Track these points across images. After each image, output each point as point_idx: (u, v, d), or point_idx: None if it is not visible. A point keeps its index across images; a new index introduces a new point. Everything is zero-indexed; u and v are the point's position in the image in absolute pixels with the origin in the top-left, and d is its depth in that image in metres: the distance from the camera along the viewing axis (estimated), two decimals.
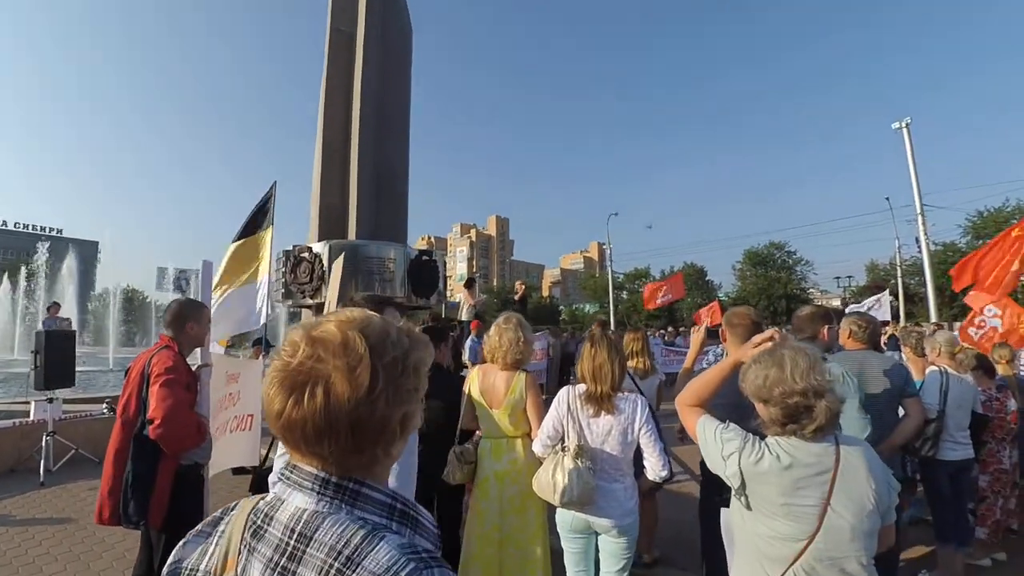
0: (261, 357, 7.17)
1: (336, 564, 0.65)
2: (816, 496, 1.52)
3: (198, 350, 2.75)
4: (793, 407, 1.53)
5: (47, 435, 6.04)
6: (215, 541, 0.76)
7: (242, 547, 0.71)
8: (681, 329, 20.21)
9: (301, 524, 0.69)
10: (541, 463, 2.61)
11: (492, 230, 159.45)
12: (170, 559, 0.77)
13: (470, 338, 9.23)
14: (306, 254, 11.09)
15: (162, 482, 2.30)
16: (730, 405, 2.65)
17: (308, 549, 0.67)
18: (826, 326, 3.33)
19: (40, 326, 10.04)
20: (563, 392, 2.63)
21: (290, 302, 11.63)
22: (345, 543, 0.66)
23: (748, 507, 1.62)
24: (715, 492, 2.75)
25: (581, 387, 2.59)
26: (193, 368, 2.61)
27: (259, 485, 2.81)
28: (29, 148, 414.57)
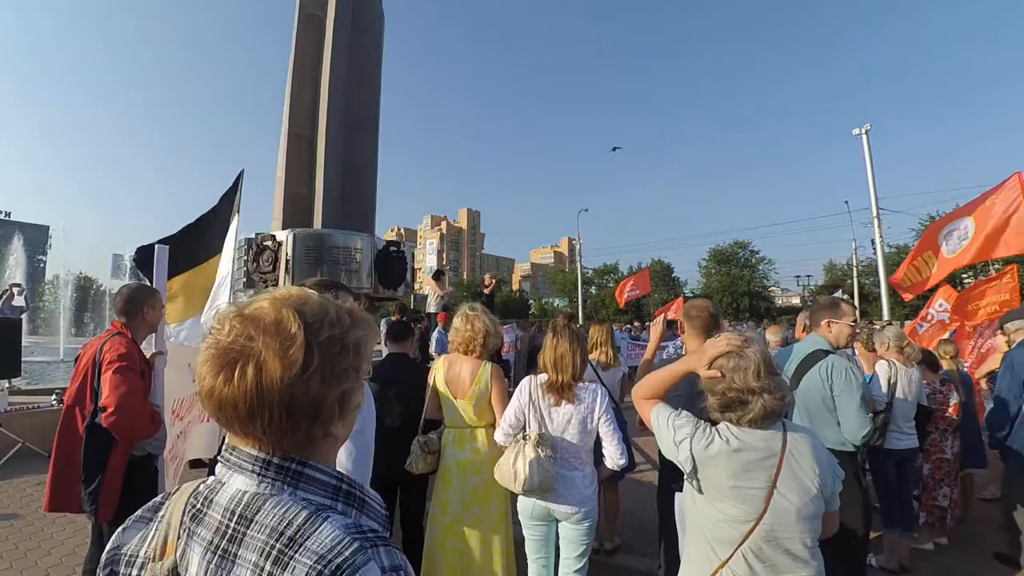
0: None
1: (278, 545, 0.64)
2: (763, 479, 1.59)
3: (151, 337, 2.67)
4: (729, 400, 1.66)
5: None
6: (155, 527, 0.74)
7: (181, 531, 0.70)
8: (647, 324, 20.55)
9: (242, 507, 0.68)
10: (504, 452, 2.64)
11: (463, 223, 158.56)
12: (109, 545, 0.75)
13: (437, 330, 9.20)
14: (269, 242, 10.81)
15: (113, 473, 2.23)
16: (683, 397, 2.76)
17: (249, 531, 0.66)
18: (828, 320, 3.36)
19: None
20: (525, 382, 2.65)
21: (252, 291, 11.37)
22: (287, 524, 0.65)
23: (699, 491, 1.68)
24: (671, 479, 2.83)
25: (543, 376, 2.62)
26: (147, 356, 2.53)
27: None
28: None
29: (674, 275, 55.32)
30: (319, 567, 0.61)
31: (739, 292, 46.85)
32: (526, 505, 2.61)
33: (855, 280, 33.57)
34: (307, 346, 0.68)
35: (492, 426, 2.84)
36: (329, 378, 0.70)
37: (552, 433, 2.55)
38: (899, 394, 4.02)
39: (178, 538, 0.70)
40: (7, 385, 6.34)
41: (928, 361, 4.71)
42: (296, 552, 0.63)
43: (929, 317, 7.99)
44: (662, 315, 3.56)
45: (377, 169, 12.61)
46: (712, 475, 1.64)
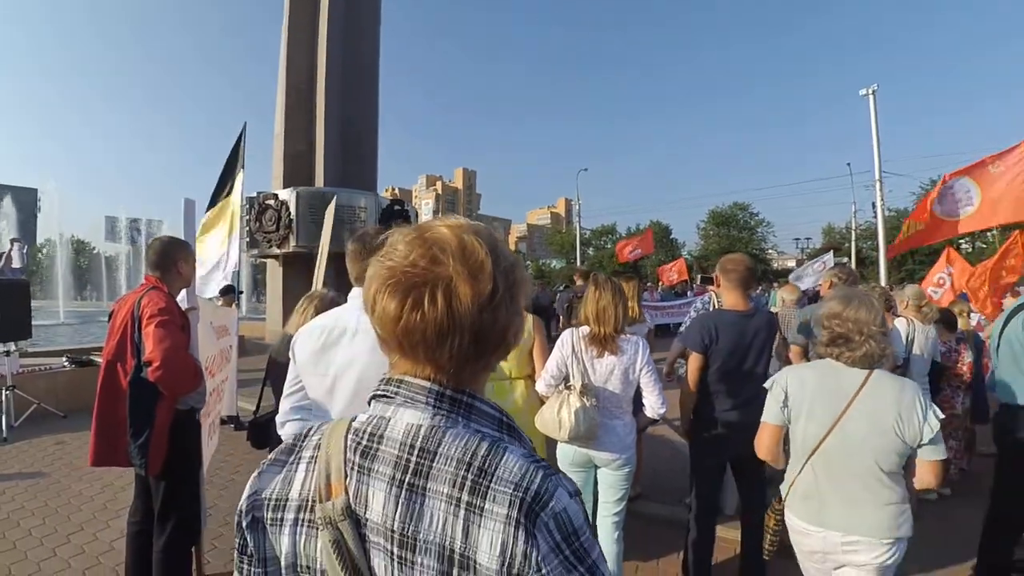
0: (234, 307, 6.93)
1: (470, 475, 0.62)
2: (838, 407, 1.83)
3: (183, 292, 2.61)
4: (836, 335, 1.88)
5: (6, 389, 5.76)
6: (302, 468, 0.71)
7: (348, 469, 0.67)
8: (648, 284, 20.63)
9: (420, 439, 0.65)
10: (541, 403, 2.65)
11: (459, 183, 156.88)
12: (247, 492, 0.72)
13: None
14: (272, 201, 10.66)
15: (160, 427, 2.20)
16: (730, 348, 2.77)
17: (435, 464, 0.64)
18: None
19: None
20: (567, 334, 2.64)
21: (255, 251, 11.25)
22: (472, 455, 0.64)
23: (788, 419, 1.97)
24: (703, 428, 2.88)
25: (584, 329, 2.61)
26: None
27: (258, 435, 2.73)
28: None
29: (672, 236, 55.18)
30: (519, 494, 0.61)
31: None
32: (566, 452, 2.63)
33: (853, 244, 33.57)
34: (493, 274, 0.66)
35: (531, 378, 2.83)
36: (510, 307, 0.68)
37: (594, 383, 2.55)
38: (915, 350, 4.04)
39: (345, 477, 0.67)
40: (15, 348, 6.32)
41: (945, 320, 4.75)
42: (491, 481, 0.62)
43: (940, 282, 7.96)
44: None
45: (378, 125, 12.31)
46: (797, 398, 1.93)
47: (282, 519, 0.69)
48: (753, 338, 2.84)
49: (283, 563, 0.69)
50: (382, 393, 0.70)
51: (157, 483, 2.29)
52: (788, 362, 3.86)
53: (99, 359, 7.17)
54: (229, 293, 7.00)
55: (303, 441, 0.75)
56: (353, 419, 0.72)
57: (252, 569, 0.72)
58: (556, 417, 2.45)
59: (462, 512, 0.61)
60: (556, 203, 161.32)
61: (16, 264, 9.87)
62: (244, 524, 0.72)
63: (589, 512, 2.71)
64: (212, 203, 5.95)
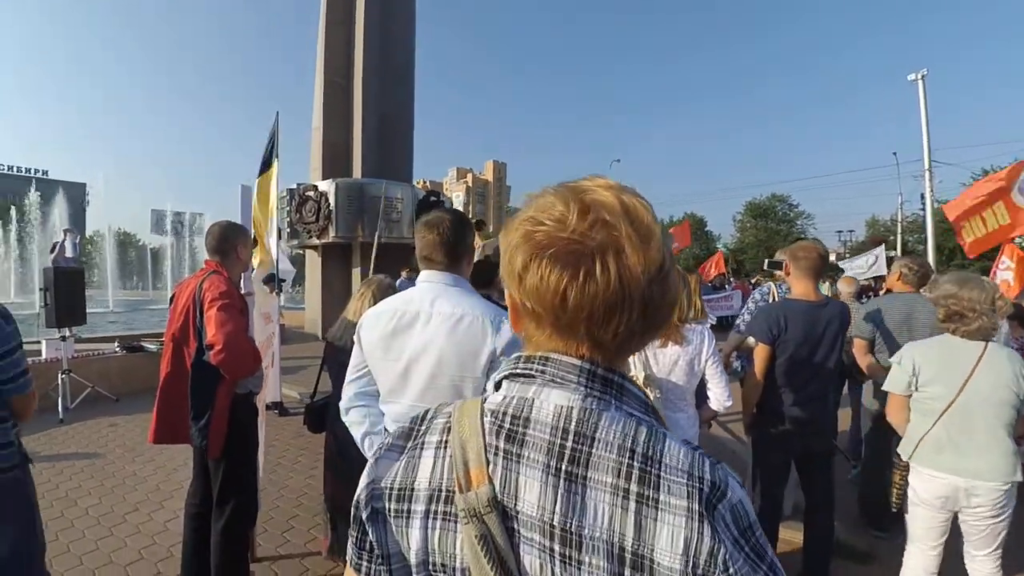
0: (275, 294, 7.01)
1: (635, 463, 0.55)
2: (963, 372, 2.12)
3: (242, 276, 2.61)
4: (952, 312, 2.18)
5: (62, 373, 5.97)
6: (428, 454, 0.63)
7: (490, 455, 0.59)
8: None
9: (575, 423, 0.57)
10: None
11: (489, 175, 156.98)
12: (363, 481, 0.66)
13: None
14: (312, 192, 10.78)
15: (220, 409, 2.21)
16: (800, 339, 2.66)
17: (594, 450, 0.56)
18: None
19: (50, 260, 9.71)
20: None
21: (295, 242, 11.43)
22: (633, 440, 0.56)
23: (916, 387, 2.24)
24: (765, 424, 2.78)
25: None
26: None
27: (314, 419, 2.73)
28: (5, 88, 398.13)
29: (707, 228, 54.10)
30: (696, 484, 0.54)
31: (775, 247, 45.57)
32: None
33: (899, 236, 32.29)
34: (662, 240, 0.58)
35: None
36: (676, 281, 0.60)
37: (658, 375, 2.44)
38: None
39: (487, 463, 0.59)
40: (71, 333, 6.55)
41: (1020, 316, 4.47)
42: (660, 469, 0.54)
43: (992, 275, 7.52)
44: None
45: (413, 116, 12.31)
46: (926, 368, 2.21)
47: (409, 511, 0.62)
48: (825, 329, 2.70)
49: (412, 560, 0.62)
50: (522, 372, 0.62)
51: (216, 465, 2.29)
52: (850, 356, 3.66)
53: (150, 345, 7.43)
54: (271, 281, 7.10)
55: (421, 424, 0.68)
56: (483, 400, 0.64)
57: (373, 567, 0.65)
58: None
59: (632, 504, 0.53)
60: None
61: (69, 254, 10.23)
62: (363, 516, 0.65)
63: None
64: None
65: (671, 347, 2.43)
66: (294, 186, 11.02)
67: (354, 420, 1.64)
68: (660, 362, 2.45)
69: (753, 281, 20.61)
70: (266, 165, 5.79)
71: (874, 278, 13.46)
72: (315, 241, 10.84)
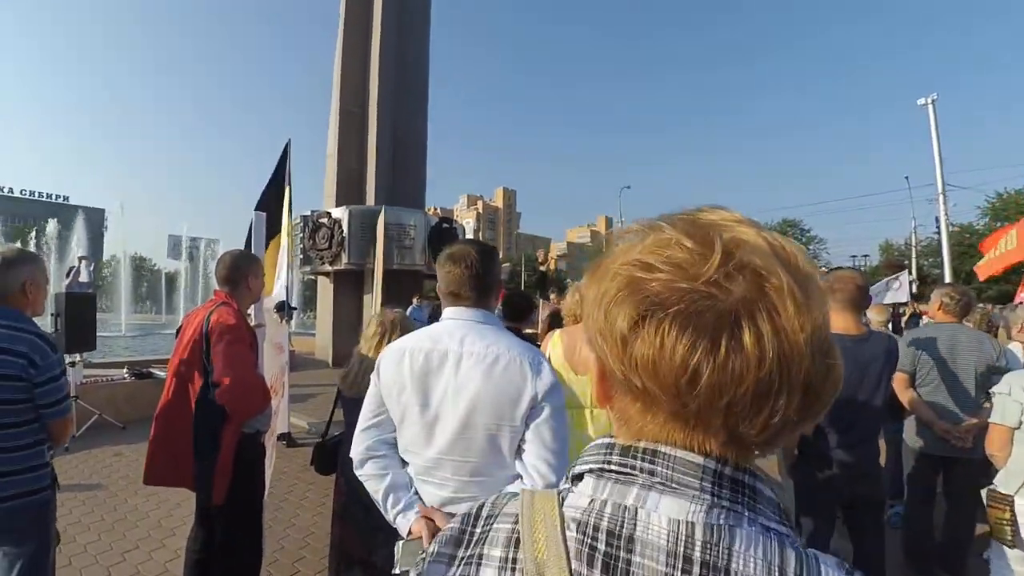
0: (285, 323, 6.92)
1: None
2: None
3: (252, 308, 2.49)
4: None
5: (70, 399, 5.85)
6: (490, 573, 0.48)
7: None
8: None
9: (699, 548, 0.42)
10: None
11: (499, 202, 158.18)
12: None
13: (497, 308, 8.95)
14: (325, 219, 10.79)
15: (226, 452, 2.06)
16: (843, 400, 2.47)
17: None
18: None
19: (64, 285, 9.75)
20: None
21: (308, 268, 11.40)
22: (780, 571, 0.41)
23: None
24: (813, 479, 2.57)
25: None
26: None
27: (324, 459, 2.54)
28: (30, 114, 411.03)
29: None
30: None
31: None
32: None
33: (914, 261, 31.86)
34: (822, 294, 0.44)
35: None
36: (836, 348, 0.45)
37: None
38: None
39: None
40: (80, 358, 6.49)
41: None
42: None
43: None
44: None
45: (427, 143, 12.38)
46: None
47: None
48: (868, 366, 2.52)
49: None
50: (617, 469, 0.46)
51: (220, 511, 2.13)
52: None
53: (160, 372, 7.33)
54: (282, 309, 7.02)
55: (475, 526, 0.52)
56: (559, 499, 0.48)
57: None
58: None
59: None
60: (596, 221, 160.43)
61: (83, 279, 10.26)
62: None
63: None
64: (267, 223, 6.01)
65: None
66: (308, 213, 11.05)
67: (372, 473, 1.45)
68: None
69: None
70: (272, 189, 5.78)
71: (893, 304, 13.13)
72: (327, 268, 10.80)
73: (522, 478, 1.36)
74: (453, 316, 1.46)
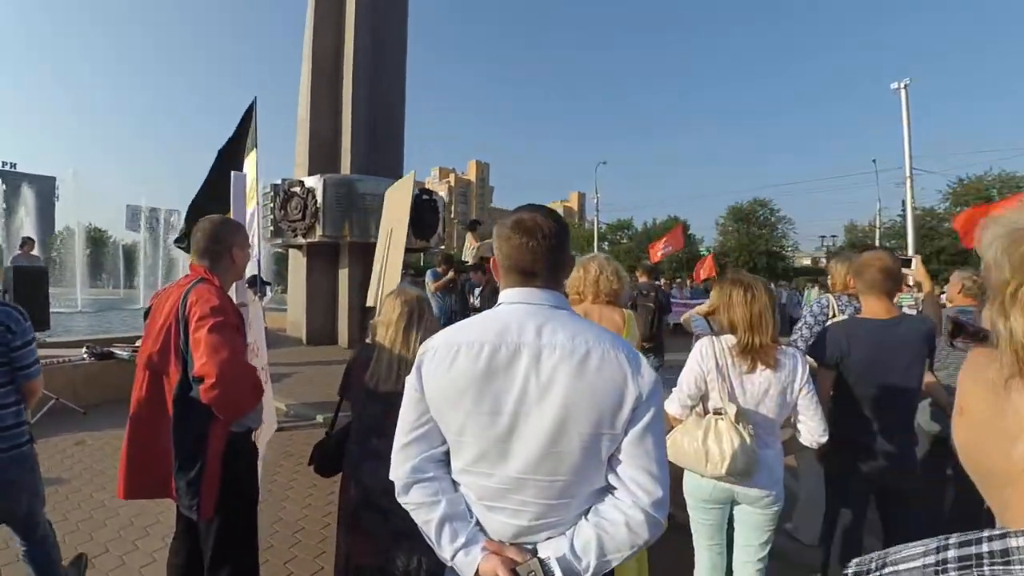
0: (258, 299, 6.47)
1: None
2: None
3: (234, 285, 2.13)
4: None
5: None
6: None
7: None
8: (677, 280, 20.04)
9: None
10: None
11: (472, 175, 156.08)
12: None
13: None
14: (297, 188, 10.19)
15: (213, 458, 1.74)
16: (866, 362, 2.36)
17: None
18: None
19: (7, 262, 9.02)
20: (706, 343, 2.13)
21: (279, 240, 10.81)
22: None
23: None
24: (844, 465, 2.46)
25: (729, 338, 2.11)
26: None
27: (323, 460, 2.19)
28: None
29: (690, 232, 54.32)
30: None
31: (757, 251, 46.04)
32: (702, 487, 2.14)
33: (877, 242, 32.78)
34: None
35: None
36: None
37: (744, 405, 2.05)
38: None
39: None
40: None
41: None
42: None
43: None
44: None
45: (405, 107, 11.77)
46: None
47: None
48: (898, 351, 2.38)
49: None
50: None
51: (208, 526, 1.82)
52: None
53: (121, 352, 6.83)
54: (254, 284, 6.56)
55: None
56: None
57: None
58: (701, 447, 1.96)
59: None
60: (569, 197, 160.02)
61: (35, 251, 9.55)
62: None
63: (725, 555, 2.27)
64: (211, 185, 5.51)
65: (761, 372, 2.05)
66: (278, 181, 10.42)
67: (420, 500, 1.17)
68: (748, 391, 2.06)
69: None
70: (232, 149, 5.27)
71: None
72: (300, 240, 10.26)
73: (612, 493, 1.11)
74: (520, 300, 1.17)
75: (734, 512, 2.22)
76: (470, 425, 1.12)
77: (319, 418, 5.51)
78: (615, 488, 1.11)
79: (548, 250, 1.16)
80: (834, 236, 48.90)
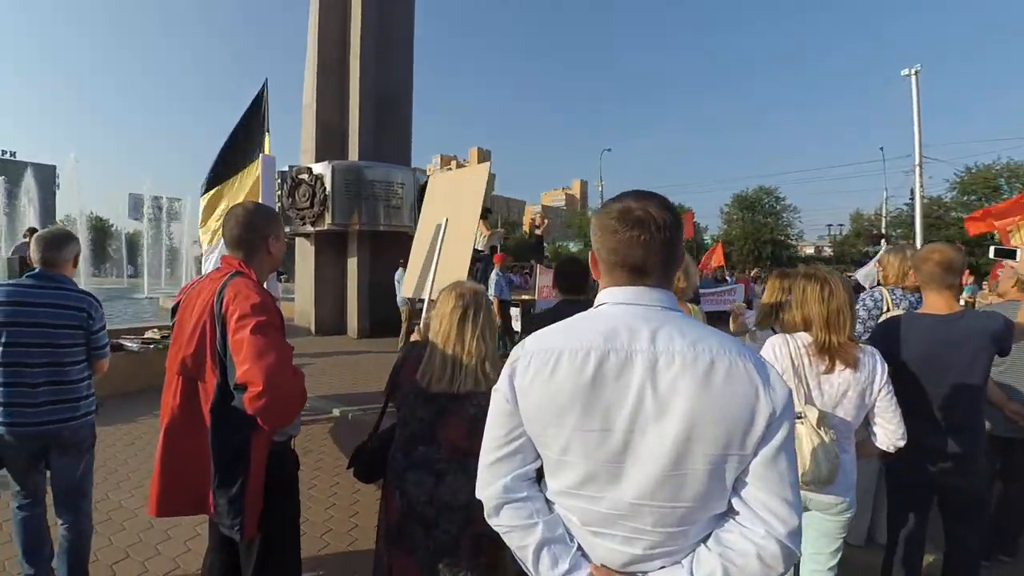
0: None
1: None
2: None
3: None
4: None
5: None
6: None
7: None
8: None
9: None
10: None
11: (473, 162, 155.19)
12: None
13: (495, 271, 8.49)
14: (305, 176, 10.00)
15: (256, 474, 1.59)
16: (920, 360, 2.25)
17: None
18: None
19: (10, 252, 8.87)
20: (779, 341, 1.98)
21: (288, 229, 10.62)
22: None
23: None
24: (914, 469, 2.33)
25: (803, 336, 1.95)
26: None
27: (364, 464, 2.03)
28: None
29: (695, 220, 54.02)
30: None
31: (762, 239, 45.73)
32: None
33: (883, 231, 32.52)
34: None
35: None
36: None
37: (820, 407, 1.90)
38: None
39: None
40: None
41: None
42: None
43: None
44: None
45: (412, 94, 11.50)
46: None
47: None
48: (958, 348, 2.25)
49: None
50: None
51: (250, 546, 1.67)
52: None
53: (130, 343, 6.69)
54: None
55: None
56: None
57: None
58: None
59: None
60: (571, 185, 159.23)
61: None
62: None
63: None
64: (217, 171, 5.37)
65: (841, 372, 1.89)
66: (285, 168, 10.22)
67: (514, 523, 1.03)
68: (825, 392, 1.91)
69: (751, 275, 20.36)
70: (240, 151, 5.15)
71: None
72: (308, 228, 10.09)
73: (734, 518, 0.96)
74: (629, 300, 1.01)
75: (808, 519, 2.08)
76: (576, 443, 0.96)
77: (335, 411, 5.39)
78: (738, 513, 0.96)
79: (662, 244, 1.00)
80: (841, 225, 48.47)
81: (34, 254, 2.42)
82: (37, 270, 2.41)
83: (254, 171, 5.02)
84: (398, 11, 11.16)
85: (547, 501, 1.05)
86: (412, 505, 1.78)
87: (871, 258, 12.93)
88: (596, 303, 1.07)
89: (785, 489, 0.94)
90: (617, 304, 1.02)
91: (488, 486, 1.05)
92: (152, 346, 6.68)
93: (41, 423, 2.30)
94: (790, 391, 0.97)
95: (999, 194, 29.87)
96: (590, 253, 1.11)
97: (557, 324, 1.06)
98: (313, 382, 6.82)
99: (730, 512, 0.98)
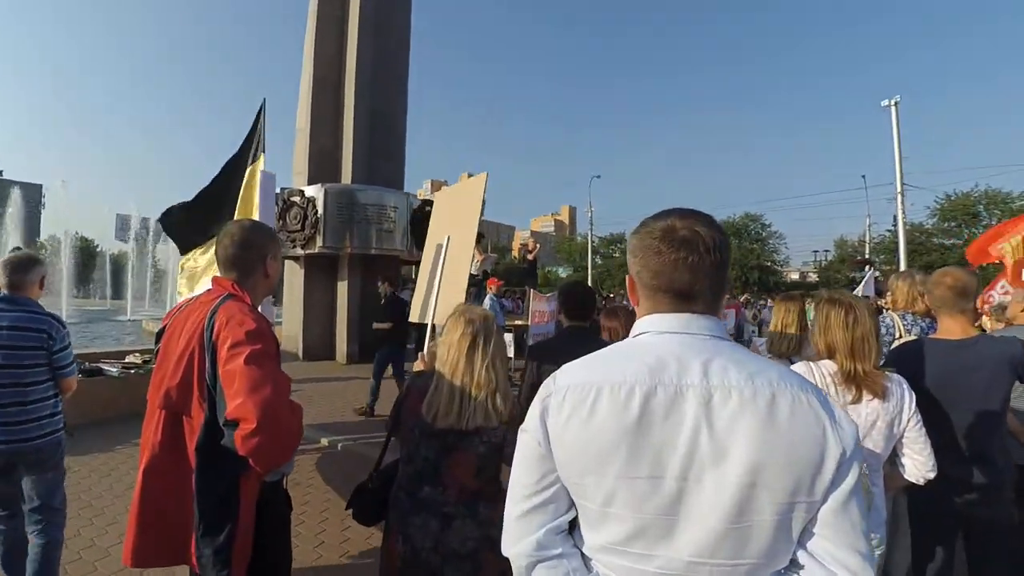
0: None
1: None
2: None
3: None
4: None
5: None
6: None
7: None
8: None
9: None
10: None
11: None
12: None
13: (488, 296, 8.38)
14: (297, 198, 9.89)
15: (245, 520, 1.43)
16: (932, 386, 2.19)
17: None
18: None
19: None
20: (803, 369, 1.88)
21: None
22: None
23: None
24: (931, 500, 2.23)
25: (828, 364, 1.86)
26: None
27: (364, 505, 1.88)
28: None
29: None
30: None
31: (749, 265, 46.22)
32: None
33: (867, 256, 33.04)
34: None
35: None
36: None
37: None
38: None
39: None
40: None
41: None
42: None
43: (990, 299, 7.35)
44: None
45: (406, 119, 11.53)
46: None
47: None
48: (972, 374, 2.19)
49: None
50: None
51: None
52: None
53: (110, 368, 6.45)
54: None
55: None
56: None
57: None
58: None
59: None
60: (560, 211, 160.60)
61: None
62: None
63: None
64: (218, 185, 5.15)
65: (868, 402, 1.80)
66: (278, 190, 10.11)
67: None
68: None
69: (743, 300, 20.44)
70: (242, 156, 5.01)
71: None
72: (298, 251, 9.94)
73: (798, 573, 0.85)
74: (675, 328, 0.91)
75: None
76: (622, 493, 0.84)
77: (324, 441, 5.19)
78: (803, 567, 0.85)
79: (712, 267, 0.90)
80: (827, 251, 49.26)
81: (1, 278, 2.48)
82: (3, 293, 2.49)
83: (252, 191, 4.87)
84: (393, 34, 11.25)
85: (583, 557, 0.93)
86: (416, 552, 1.64)
87: (857, 284, 13.07)
88: (633, 332, 0.97)
89: (858, 540, 0.83)
90: (661, 333, 0.91)
91: (518, 541, 0.92)
92: (133, 371, 6.46)
93: (7, 442, 2.36)
94: (857, 428, 0.87)
95: (978, 220, 30.62)
96: (627, 277, 1.01)
97: (591, 356, 0.95)
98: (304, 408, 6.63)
99: (793, 567, 0.86)
